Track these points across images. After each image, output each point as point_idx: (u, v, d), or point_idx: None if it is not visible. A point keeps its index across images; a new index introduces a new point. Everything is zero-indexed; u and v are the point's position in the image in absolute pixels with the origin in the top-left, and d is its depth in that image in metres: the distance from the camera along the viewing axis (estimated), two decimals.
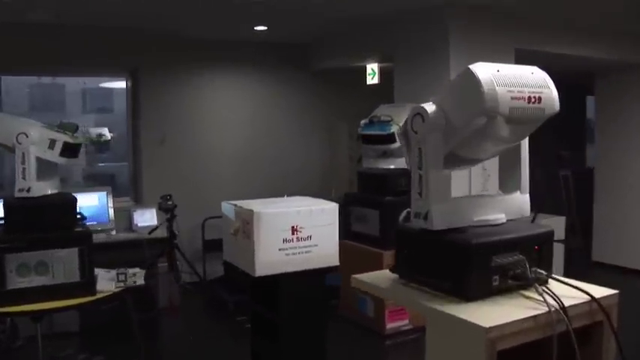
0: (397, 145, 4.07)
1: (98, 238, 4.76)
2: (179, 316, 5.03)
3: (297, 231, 2.81)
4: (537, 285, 1.57)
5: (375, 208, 4.07)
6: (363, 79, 5.53)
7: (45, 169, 3.04)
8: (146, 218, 5.38)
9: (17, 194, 2.88)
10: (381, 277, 1.93)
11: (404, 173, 4.08)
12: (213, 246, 5.62)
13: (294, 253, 2.81)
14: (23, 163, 2.90)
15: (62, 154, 2.99)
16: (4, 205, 2.89)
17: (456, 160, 1.76)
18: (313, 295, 2.97)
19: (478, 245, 1.57)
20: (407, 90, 4.53)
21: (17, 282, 2.83)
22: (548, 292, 1.54)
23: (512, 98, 1.51)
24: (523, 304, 1.55)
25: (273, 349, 2.96)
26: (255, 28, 4.91)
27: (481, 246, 1.57)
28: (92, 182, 6.64)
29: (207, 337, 4.57)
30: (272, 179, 5.92)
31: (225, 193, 5.81)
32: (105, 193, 5.01)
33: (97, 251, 4.49)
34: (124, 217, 5.22)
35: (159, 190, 5.51)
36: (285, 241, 2.78)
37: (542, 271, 1.64)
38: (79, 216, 3.18)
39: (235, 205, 2.95)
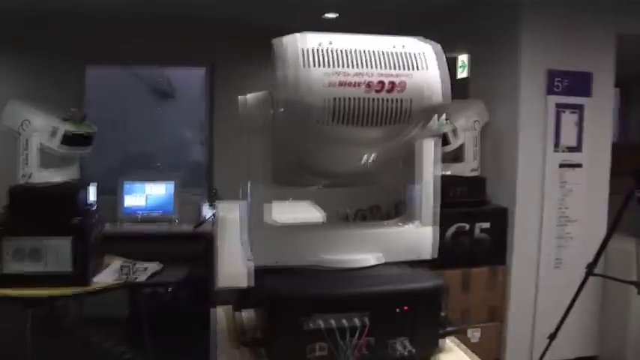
0: (451, 147, 3.47)
1: (160, 228, 4.85)
2: None
3: None
4: None
5: None
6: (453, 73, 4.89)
7: (55, 157, 3.08)
8: None
9: (19, 180, 2.94)
10: None
11: (458, 181, 3.47)
12: None
13: None
14: (25, 149, 2.94)
15: (64, 142, 2.99)
16: (9, 190, 2.96)
17: (310, 171, 1.30)
18: None
19: (284, 297, 1.11)
20: (481, 84, 3.87)
21: (12, 267, 2.87)
22: None
23: (337, 84, 1.03)
24: None
25: None
26: (325, 15, 4.58)
27: (289, 298, 1.11)
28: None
29: None
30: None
31: (301, 191, 5.60)
32: (173, 183, 5.06)
33: (154, 241, 4.67)
34: (194, 210, 5.23)
35: (230, 184, 5.45)
36: None
37: (409, 346, 1.13)
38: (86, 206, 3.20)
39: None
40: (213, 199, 4.62)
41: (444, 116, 1.27)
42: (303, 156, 1.21)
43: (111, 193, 4.97)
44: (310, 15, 4.65)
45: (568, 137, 3.42)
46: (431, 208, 1.29)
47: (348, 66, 1.03)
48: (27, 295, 2.85)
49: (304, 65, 1.03)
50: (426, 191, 1.29)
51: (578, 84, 3.40)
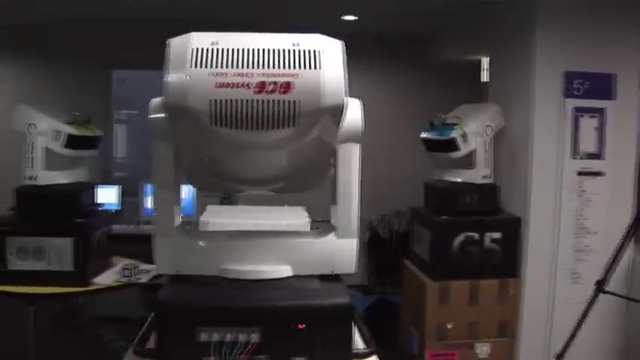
0: (461, 153, 3.32)
1: None
2: None
3: None
4: None
5: (428, 228, 3.38)
6: (478, 76, 4.71)
7: (63, 159, 3.16)
8: None
9: (24, 182, 3.03)
10: None
11: (468, 189, 3.32)
12: None
13: None
14: (31, 152, 3.03)
15: (67, 145, 3.06)
16: (15, 191, 3.05)
17: (220, 177, 1.24)
18: None
19: (172, 307, 1.06)
20: (499, 88, 3.70)
21: (17, 264, 2.97)
22: None
23: (219, 85, 0.98)
24: None
25: None
26: (343, 17, 4.51)
27: (177, 309, 1.06)
28: None
29: None
30: (381, 185, 5.41)
31: (318, 197, 5.53)
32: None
33: None
34: None
35: None
36: None
37: None
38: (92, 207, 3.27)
39: None
40: (226, 203, 4.60)
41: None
42: (210, 161, 1.16)
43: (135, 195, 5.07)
44: (329, 18, 4.60)
45: (587, 143, 3.20)
46: (352, 219, 1.20)
47: (230, 66, 0.98)
48: (29, 292, 2.94)
49: (191, 66, 0.98)
50: (345, 200, 1.20)
51: (599, 86, 3.17)
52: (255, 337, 1.04)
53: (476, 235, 3.25)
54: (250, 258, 1.18)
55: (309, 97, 0.98)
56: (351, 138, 1.17)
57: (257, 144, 1.04)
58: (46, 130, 3.02)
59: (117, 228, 4.60)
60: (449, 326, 3.26)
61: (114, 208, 5.03)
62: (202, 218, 2.45)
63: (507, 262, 3.28)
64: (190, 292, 1.12)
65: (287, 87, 0.97)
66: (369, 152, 5.49)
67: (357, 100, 1.21)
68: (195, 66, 0.97)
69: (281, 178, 1.25)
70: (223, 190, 1.37)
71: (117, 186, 5.24)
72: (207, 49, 0.98)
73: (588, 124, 3.20)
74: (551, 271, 3.24)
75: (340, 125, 1.11)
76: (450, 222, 3.27)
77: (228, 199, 4.50)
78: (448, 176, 3.49)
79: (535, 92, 3.16)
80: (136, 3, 4.27)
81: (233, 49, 0.98)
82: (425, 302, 3.26)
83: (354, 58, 4.71)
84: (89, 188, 3.28)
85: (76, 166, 3.26)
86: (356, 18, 4.59)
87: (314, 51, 0.99)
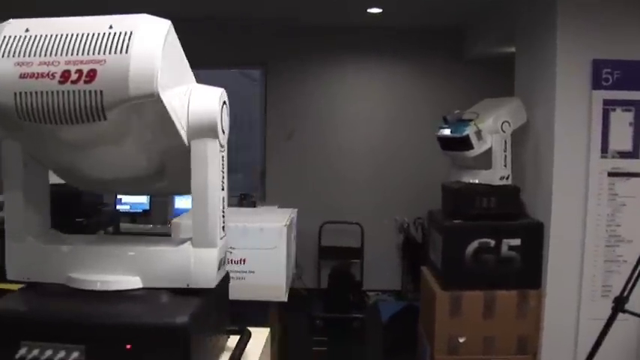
0: (475, 151, 3.05)
1: None
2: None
3: (227, 251, 2.28)
4: None
5: (440, 233, 3.13)
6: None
7: None
8: None
9: None
10: None
11: (485, 191, 3.04)
12: (329, 253, 5.24)
13: None
14: None
15: None
16: None
17: (69, 176, 1.13)
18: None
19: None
20: (523, 81, 3.38)
21: None
22: None
23: (23, 75, 0.85)
24: None
25: None
26: (368, 10, 4.30)
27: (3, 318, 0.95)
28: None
29: None
30: (414, 187, 5.16)
31: (349, 198, 5.36)
32: None
33: None
34: None
35: (280, 188, 5.37)
36: None
37: None
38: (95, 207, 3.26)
39: None
40: (247, 204, 4.52)
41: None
42: (52, 160, 1.04)
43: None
44: (355, 11, 4.42)
45: (620, 140, 2.84)
46: (208, 226, 1.05)
47: (36, 55, 0.85)
48: None
49: (2, 54, 0.86)
50: (200, 205, 1.05)
51: (633, 75, 2.81)
52: (76, 355, 0.90)
53: (492, 242, 2.97)
54: (99, 266, 1.05)
55: (114, 86, 0.83)
56: (205, 133, 1.01)
57: (76, 140, 0.92)
58: None
59: (145, 228, 4.65)
60: (461, 340, 3.00)
61: (143, 207, 5.07)
62: (174, 220, 2.37)
63: (527, 272, 2.97)
64: (20, 301, 1.01)
65: (92, 75, 0.83)
66: (399, 152, 5.23)
67: (218, 88, 1.05)
68: (2, 56, 0.86)
69: (145, 180, 1.10)
70: (99, 189, 1.24)
71: None
72: (18, 37, 0.87)
73: (621, 118, 2.84)
74: (577, 283, 2.91)
75: (182, 118, 0.96)
76: (462, 227, 3.01)
77: (244, 199, 4.42)
78: (466, 177, 3.23)
79: (558, 83, 2.84)
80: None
81: (42, 35, 0.86)
82: (434, 313, 3.02)
83: (383, 52, 4.40)
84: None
85: None
86: (380, 11, 4.38)
87: (125, 33, 0.85)
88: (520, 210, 3.09)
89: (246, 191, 5.43)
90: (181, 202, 5.11)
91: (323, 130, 5.44)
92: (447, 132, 3.15)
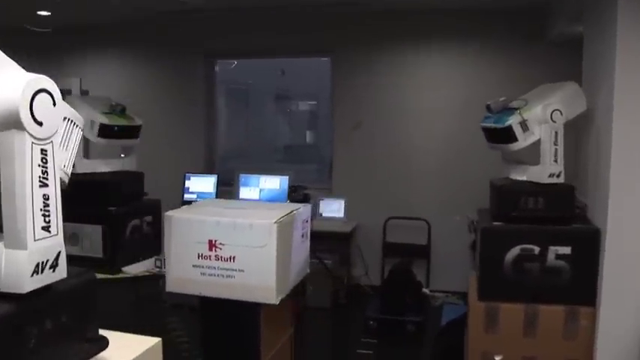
0: (520, 144, 2.67)
1: None
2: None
3: (216, 247, 2.19)
4: None
5: (479, 236, 2.79)
6: None
7: (107, 148, 3.27)
8: (333, 209, 5.14)
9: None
10: None
11: (532, 190, 2.67)
12: (393, 250, 4.98)
13: (211, 274, 2.21)
14: None
15: (100, 134, 3.13)
16: None
17: None
18: (242, 336, 2.27)
19: None
20: (588, 65, 2.92)
21: None
22: None
23: None
24: None
25: None
26: None
27: None
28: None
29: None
30: (481, 183, 4.73)
31: (416, 193, 5.03)
32: (287, 177, 4.99)
33: None
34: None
35: (347, 181, 5.20)
36: (200, 256, 2.21)
37: None
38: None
39: None
40: (296, 199, 4.37)
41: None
42: None
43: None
44: None
45: None
46: (18, 226, 0.93)
47: None
48: None
49: None
50: (9, 203, 0.93)
51: None
52: None
53: (536, 249, 2.60)
54: None
55: None
56: (11, 124, 0.89)
57: None
58: (84, 119, 3.13)
59: None
60: (497, 358, 2.66)
61: (210, 197, 5.14)
62: (167, 213, 2.30)
63: (578, 286, 2.57)
64: None
65: None
66: (472, 144, 4.74)
67: (29, 75, 0.93)
68: None
69: None
70: None
71: (214, 175, 5.37)
72: None
73: None
74: (638, 301, 2.46)
75: None
76: (501, 230, 2.67)
77: (295, 191, 4.30)
78: (513, 174, 2.86)
79: (618, 68, 2.40)
80: None
81: None
82: (467, 325, 2.71)
83: (456, 36, 4.05)
84: (130, 177, 3.33)
85: (127, 155, 3.35)
86: None
87: None
88: (573, 213, 2.67)
89: (316, 184, 5.33)
90: (245, 192, 5.12)
91: (391, 121, 5.17)
92: (489, 122, 2.80)
